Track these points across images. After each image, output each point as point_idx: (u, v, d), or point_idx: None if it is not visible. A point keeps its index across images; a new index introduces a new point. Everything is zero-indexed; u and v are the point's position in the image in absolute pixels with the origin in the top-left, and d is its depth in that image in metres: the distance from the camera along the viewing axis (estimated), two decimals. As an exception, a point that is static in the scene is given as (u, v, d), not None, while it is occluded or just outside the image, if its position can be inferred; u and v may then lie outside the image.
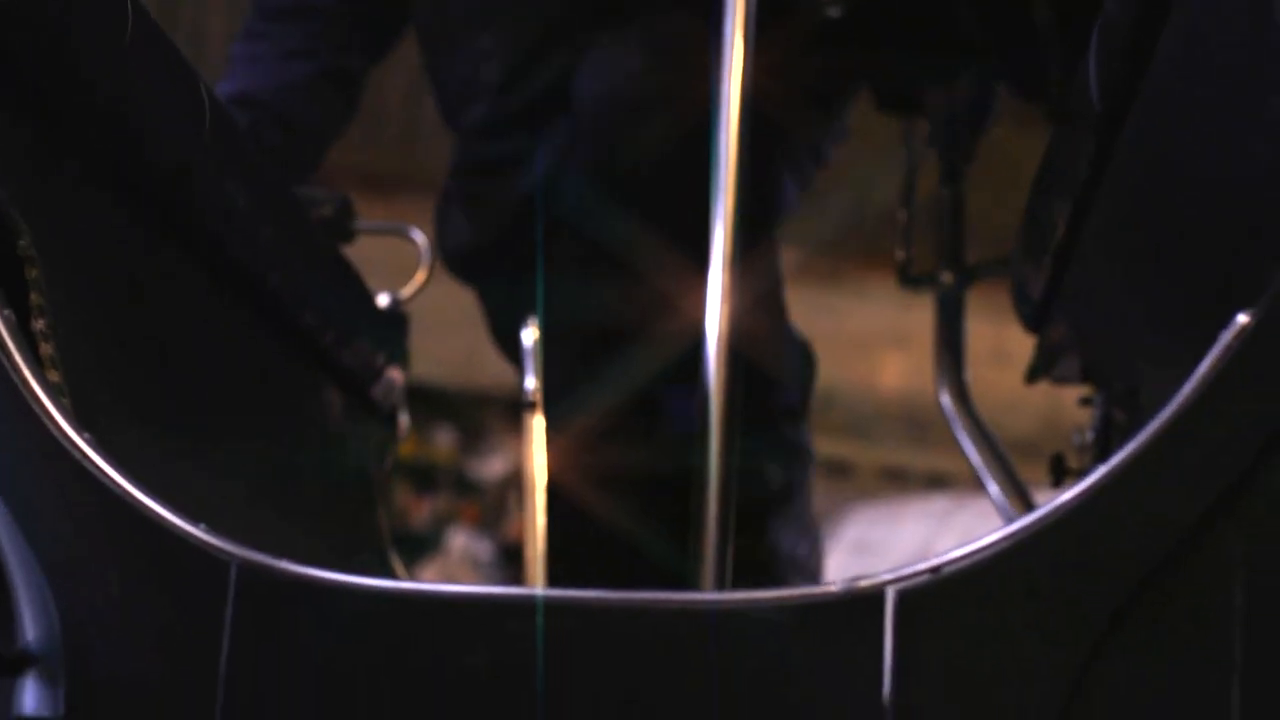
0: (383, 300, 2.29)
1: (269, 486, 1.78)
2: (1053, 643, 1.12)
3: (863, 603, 1.14)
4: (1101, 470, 1.13)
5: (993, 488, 2.31)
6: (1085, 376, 2.04)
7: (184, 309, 1.63)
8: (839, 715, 1.13)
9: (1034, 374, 2.20)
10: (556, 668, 1.16)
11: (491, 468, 9.66)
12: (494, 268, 2.18)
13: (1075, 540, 1.13)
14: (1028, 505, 2.22)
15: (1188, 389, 1.13)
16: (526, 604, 1.18)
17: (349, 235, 2.23)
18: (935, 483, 9.37)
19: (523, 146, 2.04)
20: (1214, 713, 1.12)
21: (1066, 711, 1.12)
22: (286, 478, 1.87)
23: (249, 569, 1.18)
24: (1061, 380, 2.16)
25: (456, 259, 2.24)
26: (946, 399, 2.35)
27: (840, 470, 10.73)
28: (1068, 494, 1.14)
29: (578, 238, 1.74)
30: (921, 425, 9.55)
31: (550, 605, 1.17)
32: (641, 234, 1.70)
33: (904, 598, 1.14)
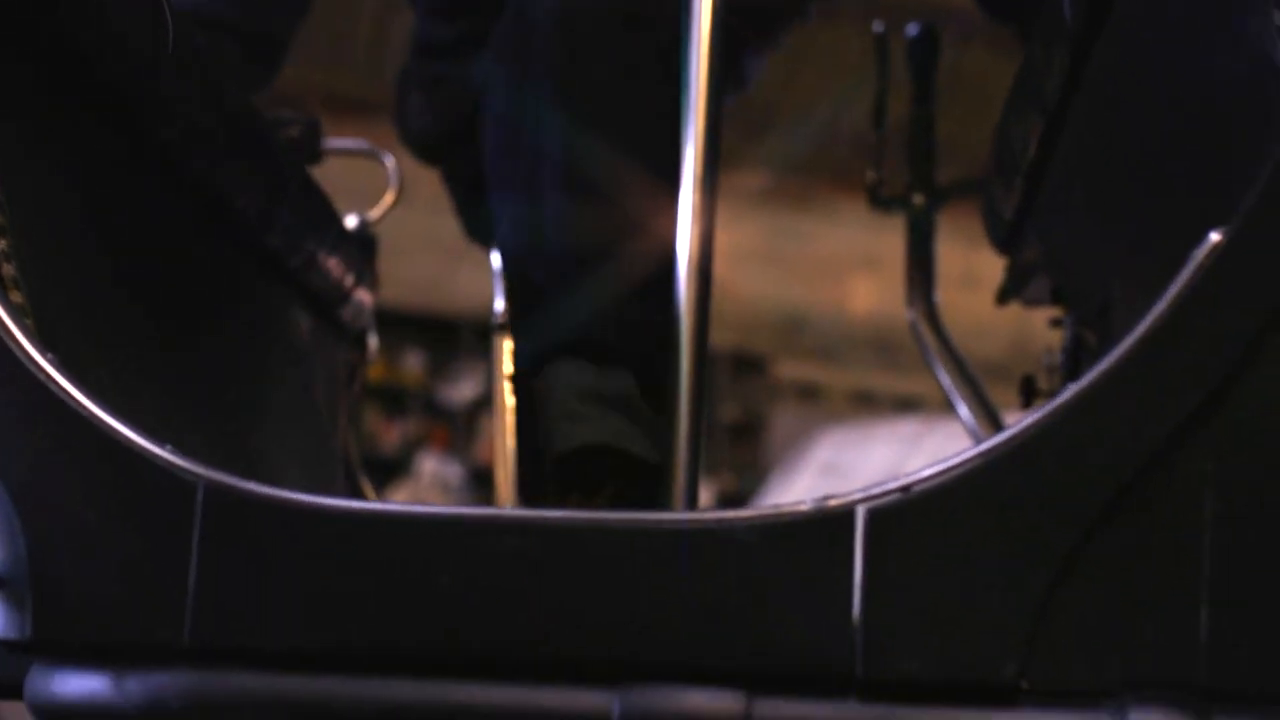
0: (351, 222, 2.27)
1: (236, 408, 1.77)
2: (1022, 561, 1.12)
3: (833, 521, 1.14)
4: (1072, 390, 1.13)
5: (962, 410, 2.31)
6: (1055, 298, 2.04)
7: (149, 230, 1.61)
8: (809, 633, 1.13)
9: (1004, 295, 2.20)
10: (526, 587, 1.16)
11: (461, 391, 9.66)
12: (456, 153, 2.12)
13: (1045, 460, 1.13)
14: (997, 427, 2.22)
15: (1159, 308, 1.12)
16: (495, 524, 1.18)
17: (316, 156, 2.20)
18: (905, 406, 9.41)
19: (481, 29, 1.97)
20: (1182, 631, 1.12)
21: (1035, 629, 1.12)
22: (254, 399, 1.86)
23: (215, 489, 1.18)
24: (1032, 302, 2.16)
25: (418, 143, 2.17)
26: (917, 321, 2.34)
27: (810, 394, 10.77)
28: (1038, 413, 1.14)
29: (539, 153, 1.69)
30: (891, 349, 9.58)
31: (519, 525, 1.17)
32: (601, 147, 1.67)
33: (874, 516, 1.14)
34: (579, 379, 1.67)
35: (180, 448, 1.20)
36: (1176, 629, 1.12)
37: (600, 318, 1.67)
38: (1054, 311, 2.09)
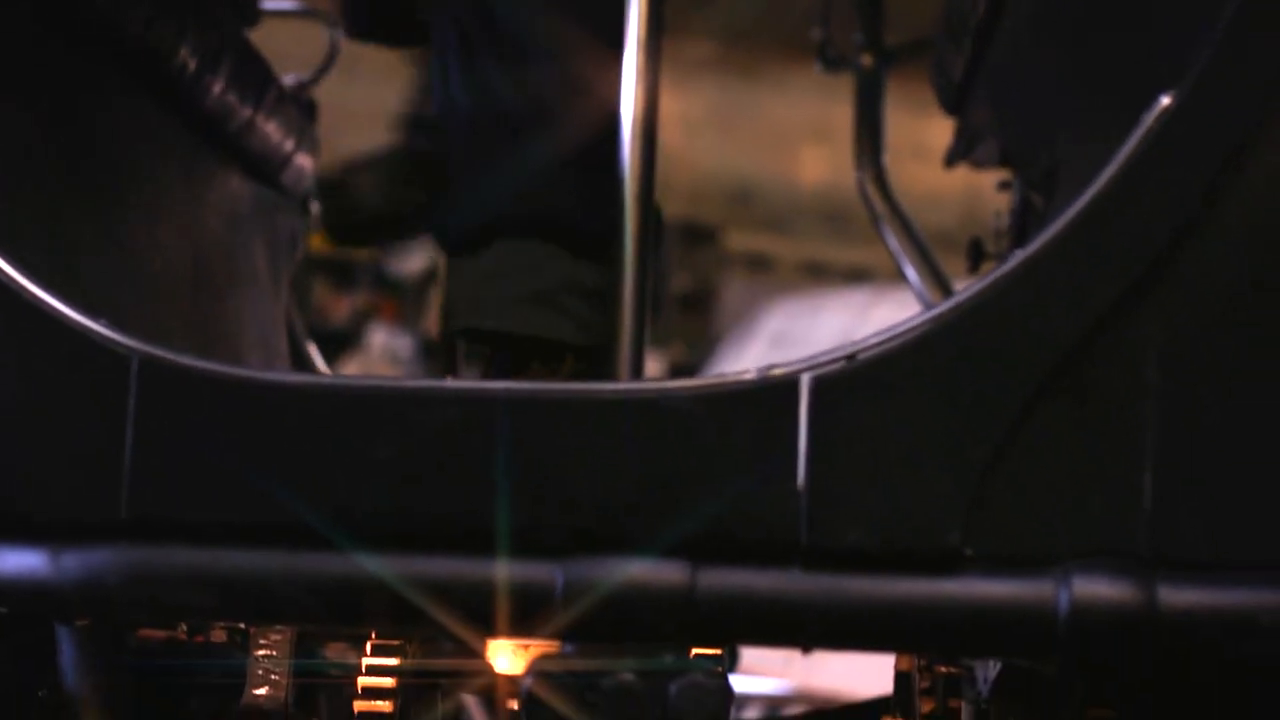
0: (288, 82, 2.21)
1: (176, 278, 1.74)
2: (966, 430, 1.12)
3: (777, 391, 1.13)
4: (1015, 258, 1.12)
5: (912, 276, 2.30)
6: (1004, 160, 2.02)
7: (82, 95, 1.57)
8: (753, 503, 1.13)
9: (952, 158, 2.18)
10: (467, 460, 1.14)
11: (410, 264, 9.60)
12: (395, 25, 2.05)
13: (990, 326, 1.12)
14: (948, 295, 2.21)
15: (1107, 172, 1.11)
16: (436, 396, 1.16)
17: (254, 17, 2.15)
18: (855, 276, 9.41)
19: None
20: (1125, 498, 1.12)
21: (979, 497, 1.12)
22: (196, 268, 1.82)
23: (150, 363, 1.15)
24: (980, 164, 2.14)
25: (358, 19, 2.10)
26: (865, 184, 2.32)
27: (760, 264, 10.76)
28: (982, 282, 1.12)
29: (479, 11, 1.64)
30: (842, 219, 9.56)
31: (459, 397, 1.15)
32: (543, 7, 1.62)
33: (818, 386, 1.12)
34: (518, 257, 1.64)
35: (116, 322, 1.18)
36: (1120, 496, 1.12)
37: (542, 186, 1.63)
38: (1003, 174, 2.07)
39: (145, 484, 1.15)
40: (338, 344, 8.83)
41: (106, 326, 1.17)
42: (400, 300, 9.63)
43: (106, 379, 1.16)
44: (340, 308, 9.52)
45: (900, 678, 1.72)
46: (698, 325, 10.27)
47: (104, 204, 1.60)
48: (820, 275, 10.40)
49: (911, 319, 1.13)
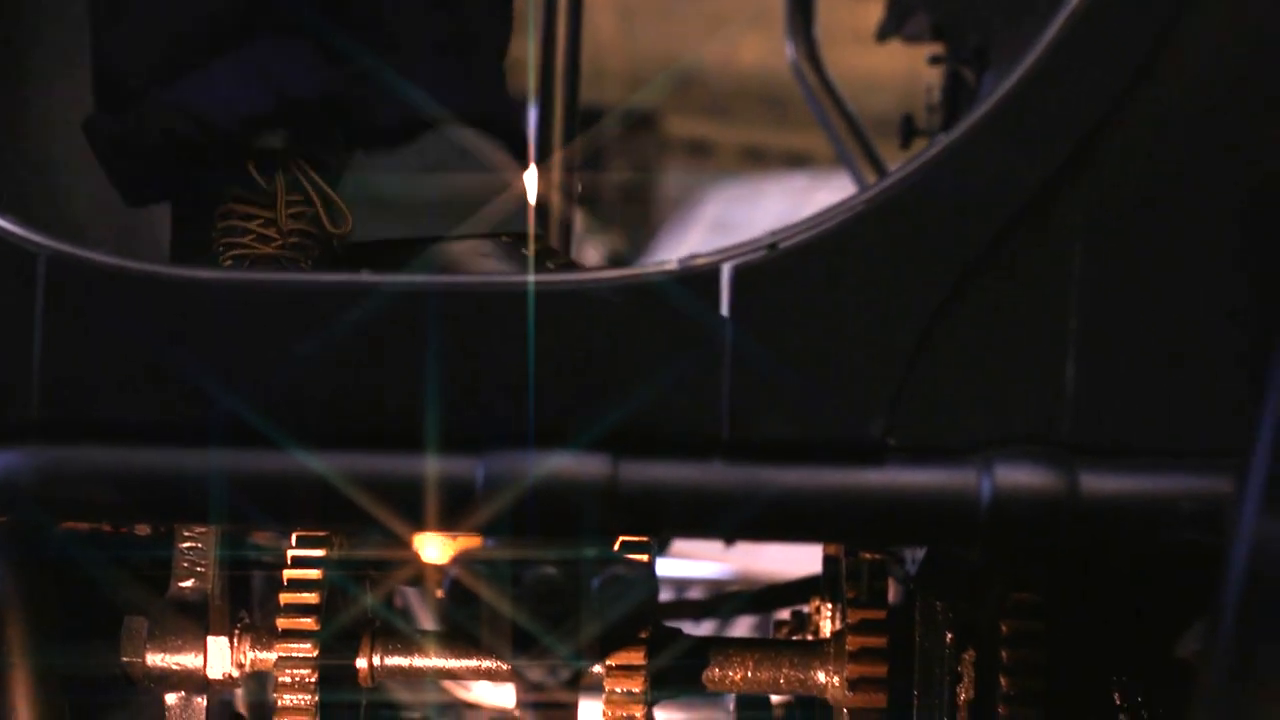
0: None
1: (87, 165, 1.69)
2: (889, 318, 1.11)
3: (698, 280, 1.12)
4: (938, 143, 1.11)
5: (849, 160, 2.29)
6: (935, 34, 2.01)
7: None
8: (675, 395, 1.12)
9: (884, 32, 2.16)
10: (383, 354, 1.13)
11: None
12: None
13: (912, 215, 1.11)
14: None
15: (1038, 49, 1.09)
16: (350, 290, 1.14)
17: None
18: (795, 161, 9.39)
19: None
20: (1049, 386, 1.12)
21: (902, 387, 1.11)
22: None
23: (57, 259, 1.13)
24: (912, 38, 2.12)
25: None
26: (799, 63, 2.29)
27: (700, 150, 10.71)
28: (905, 168, 1.11)
29: None
30: (781, 104, 9.52)
31: (375, 291, 1.13)
32: None
33: (740, 275, 1.11)
34: None
35: (28, 218, 1.15)
36: (1043, 384, 1.12)
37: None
38: (935, 48, 2.06)
39: (56, 383, 1.13)
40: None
41: (12, 222, 1.14)
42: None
43: (12, 277, 1.13)
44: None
45: (828, 562, 1.73)
46: (637, 213, 10.24)
47: (4, 86, 1.55)
48: (760, 161, 10.36)
49: (833, 206, 1.12)
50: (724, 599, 2.92)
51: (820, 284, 1.12)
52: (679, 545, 3.19)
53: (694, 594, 3.44)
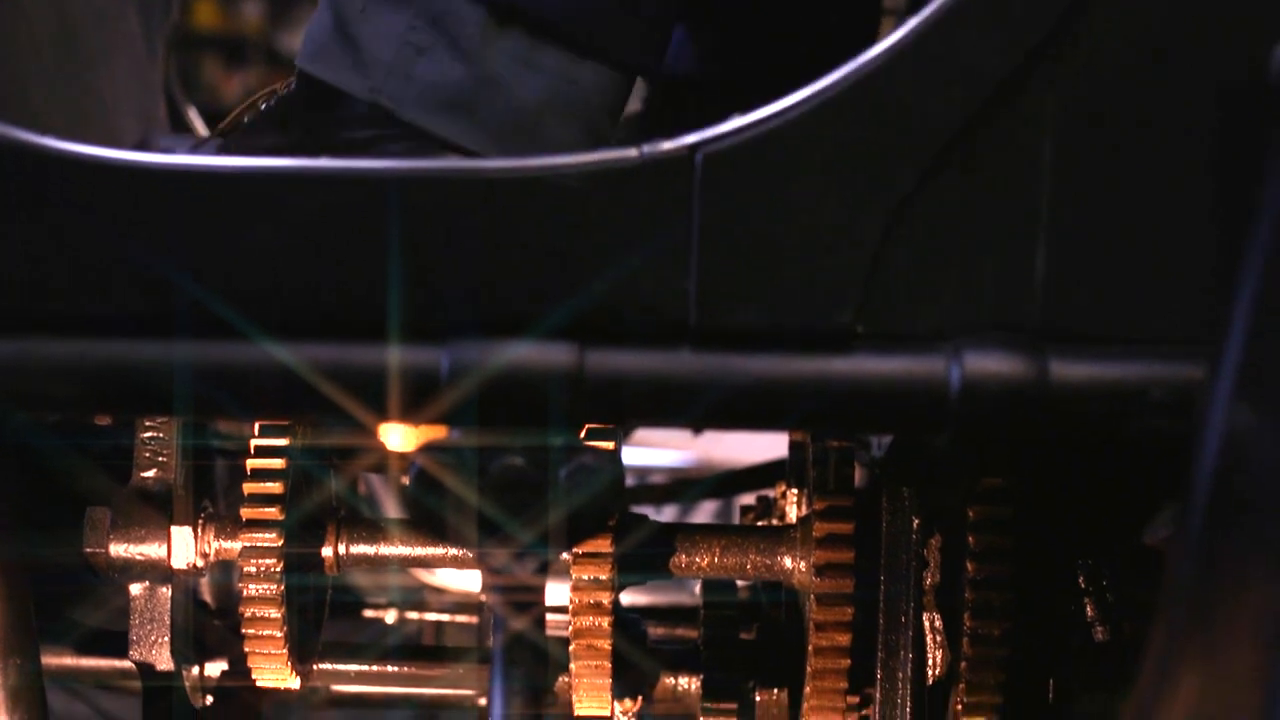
0: None
1: (40, 47, 1.66)
2: (859, 205, 1.10)
3: (667, 167, 1.10)
4: (909, 26, 1.08)
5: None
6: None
7: None
8: (642, 283, 1.10)
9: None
10: (344, 242, 1.11)
11: (303, 39, 9.33)
12: None
13: (884, 100, 1.09)
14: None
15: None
16: (308, 176, 1.12)
17: None
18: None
19: None
20: (1018, 273, 1.11)
21: (871, 274, 1.10)
22: (62, 34, 1.74)
23: (9, 146, 1.10)
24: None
25: None
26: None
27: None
28: (876, 51, 1.09)
29: None
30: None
31: (335, 177, 1.11)
32: None
33: (709, 161, 1.10)
34: None
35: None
36: (1012, 271, 1.11)
37: None
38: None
39: (8, 274, 1.10)
40: (231, 121, 8.61)
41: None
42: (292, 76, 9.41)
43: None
44: (231, 86, 9.30)
45: (795, 448, 1.73)
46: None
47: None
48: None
49: (804, 92, 1.10)
50: (687, 484, 2.93)
51: (788, 171, 1.10)
52: (640, 434, 3.19)
53: (655, 481, 3.45)
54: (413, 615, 2.68)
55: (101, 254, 1.11)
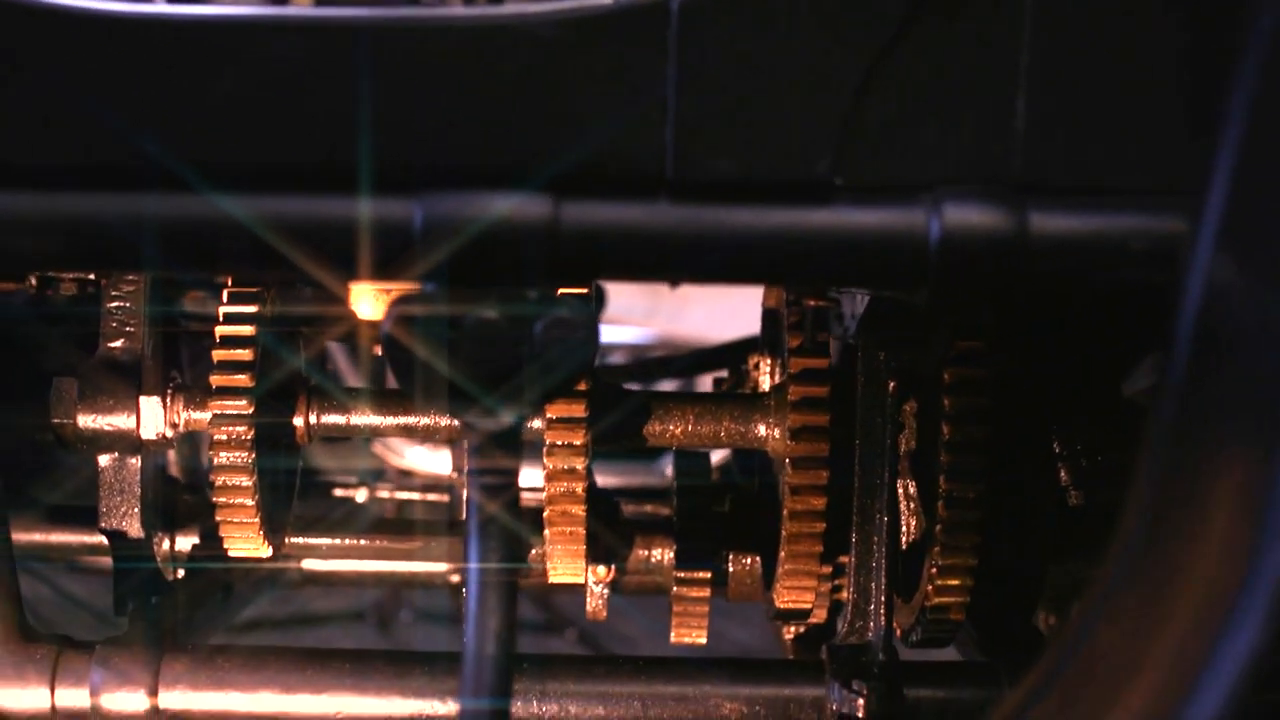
0: None
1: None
2: (839, 51, 1.08)
3: (644, 15, 1.07)
4: None
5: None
6: None
7: None
8: (618, 134, 1.08)
9: None
10: (315, 92, 1.08)
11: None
12: None
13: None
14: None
15: None
16: (280, 25, 1.09)
17: None
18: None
19: None
20: (998, 120, 1.09)
21: (850, 125, 1.08)
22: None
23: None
24: None
25: None
26: None
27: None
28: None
29: None
30: None
31: (305, 25, 1.08)
32: None
33: (688, 8, 1.07)
34: None
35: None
36: (992, 121, 1.09)
37: None
38: None
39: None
40: None
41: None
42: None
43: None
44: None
45: (768, 314, 1.72)
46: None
47: None
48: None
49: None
50: (658, 363, 2.92)
51: (766, 19, 1.08)
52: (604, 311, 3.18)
53: (617, 358, 3.45)
54: (384, 495, 2.68)
55: (62, 105, 1.08)
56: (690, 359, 2.53)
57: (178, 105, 1.09)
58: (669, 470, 2.74)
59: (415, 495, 2.68)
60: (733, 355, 2.33)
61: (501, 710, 1.12)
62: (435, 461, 2.87)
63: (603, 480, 2.29)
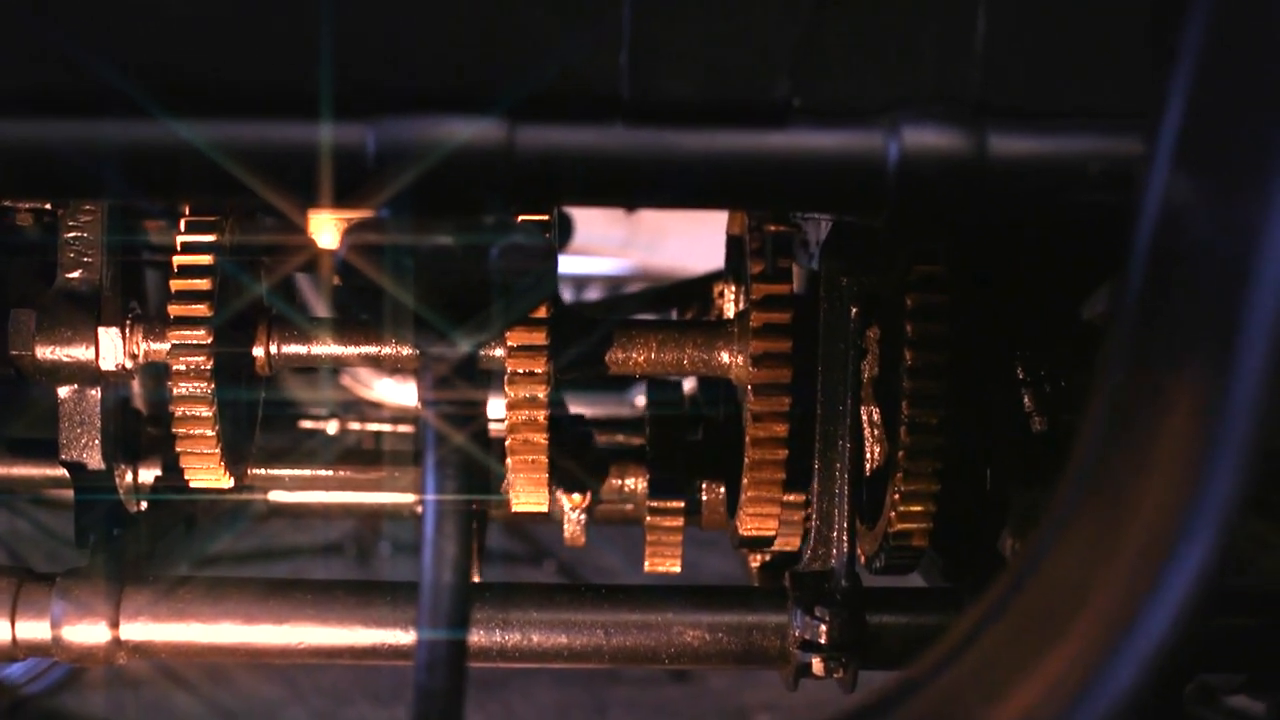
0: None
1: None
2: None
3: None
4: None
5: None
6: None
7: None
8: (573, 55, 1.07)
9: None
10: (268, 14, 1.07)
11: None
12: None
13: None
14: None
15: None
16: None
17: None
18: None
19: None
20: (957, 41, 1.08)
21: (807, 47, 1.07)
22: None
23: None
24: None
25: None
26: None
27: None
28: None
29: None
30: None
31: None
32: None
33: (640, -72, 1.06)
34: None
35: None
36: (951, 42, 1.08)
37: None
38: None
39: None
40: None
41: None
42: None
43: None
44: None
45: (732, 242, 1.71)
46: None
47: None
48: None
49: None
50: (627, 298, 2.91)
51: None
52: (577, 242, 3.18)
53: (593, 290, 3.44)
54: (354, 427, 2.68)
55: (10, 27, 1.07)
56: (657, 294, 2.52)
57: (124, 26, 1.08)
58: (639, 400, 2.73)
59: (385, 427, 2.68)
60: (700, 289, 2.32)
61: (459, 639, 1.11)
62: (402, 393, 2.86)
63: (575, 410, 2.29)
